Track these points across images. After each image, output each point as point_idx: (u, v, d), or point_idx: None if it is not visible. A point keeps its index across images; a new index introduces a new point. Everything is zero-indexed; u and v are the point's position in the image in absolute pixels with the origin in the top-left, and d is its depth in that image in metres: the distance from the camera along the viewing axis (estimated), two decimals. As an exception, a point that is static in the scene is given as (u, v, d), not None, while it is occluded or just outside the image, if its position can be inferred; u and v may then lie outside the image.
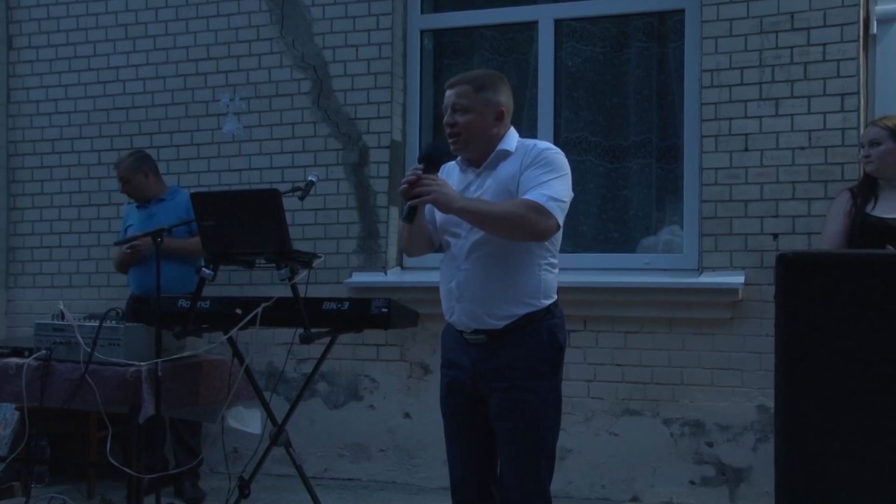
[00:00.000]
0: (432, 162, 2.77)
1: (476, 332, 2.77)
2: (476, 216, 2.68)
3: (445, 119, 2.83)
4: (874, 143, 3.78)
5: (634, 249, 5.01)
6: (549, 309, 2.81)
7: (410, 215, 2.69)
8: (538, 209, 2.66)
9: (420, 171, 2.71)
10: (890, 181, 3.78)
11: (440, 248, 3.00)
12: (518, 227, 2.67)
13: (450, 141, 2.84)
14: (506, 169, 2.79)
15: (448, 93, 2.85)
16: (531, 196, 2.68)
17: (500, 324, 2.75)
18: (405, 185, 2.69)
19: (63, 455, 5.08)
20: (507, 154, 2.82)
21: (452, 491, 2.93)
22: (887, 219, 3.74)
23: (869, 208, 3.77)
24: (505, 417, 2.76)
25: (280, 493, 4.87)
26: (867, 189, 3.82)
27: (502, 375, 2.75)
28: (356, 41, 5.23)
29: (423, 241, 2.96)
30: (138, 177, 5.02)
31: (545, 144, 2.84)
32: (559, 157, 2.79)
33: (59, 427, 4.87)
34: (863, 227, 3.75)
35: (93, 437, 4.92)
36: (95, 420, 4.82)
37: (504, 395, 2.75)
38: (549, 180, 2.72)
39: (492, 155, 2.83)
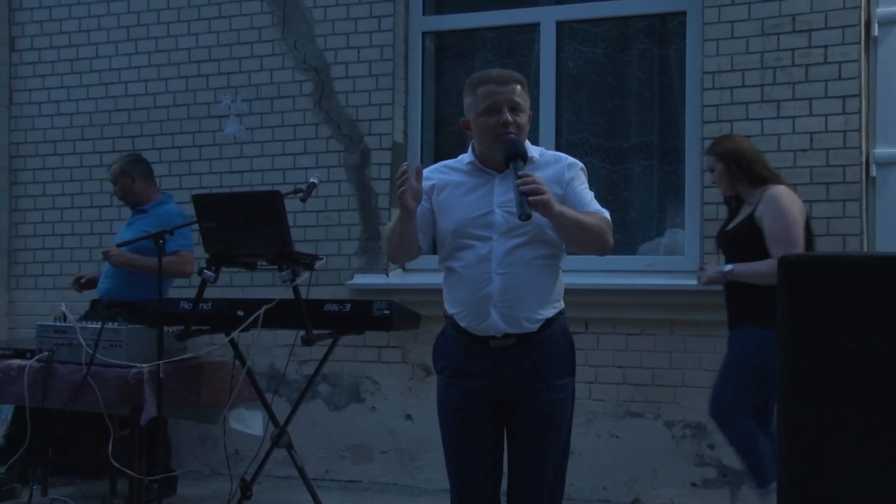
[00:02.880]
0: (523, 158, 2.68)
1: (507, 335, 2.73)
2: (573, 223, 2.65)
3: (504, 117, 2.70)
4: (712, 170, 4.09)
5: (636, 251, 5.01)
6: (562, 310, 2.84)
7: (530, 213, 2.56)
8: (610, 225, 2.76)
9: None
10: (745, 195, 4.00)
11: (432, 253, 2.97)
12: (601, 241, 2.72)
13: (511, 139, 2.70)
14: (539, 176, 2.69)
15: (497, 89, 2.72)
16: (598, 211, 2.75)
17: (535, 326, 2.73)
18: (525, 183, 2.56)
19: (67, 456, 5.08)
20: (532, 160, 2.77)
21: (460, 499, 2.86)
22: (728, 230, 4.01)
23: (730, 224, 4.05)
24: (537, 417, 2.75)
25: (281, 495, 4.87)
26: (735, 204, 4.09)
27: (536, 376, 2.74)
28: (358, 43, 5.24)
29: (413, 247, 2.88)
30: (125, 180, 4.92)
31: (572, 158, 2.86)
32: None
33: (65, 428, 4.87)
34: (718, 242, 4.11)
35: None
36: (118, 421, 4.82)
37: (538, 395, 2.74)
38: (593, 196, 2.81)
39: None
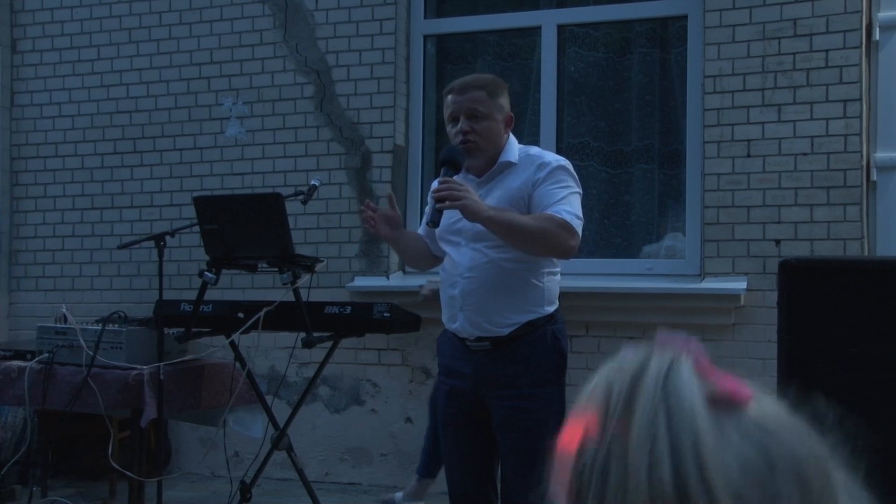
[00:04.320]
0: (455, 165, 2.68)
1: (479, 339, 2.73)
2: (505, 227, 2.59)
3: (460, 125, 2.71)
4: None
5: (636, 255, 5.01)
6: (551, 315, 2.78)
7: (437, 220, 2.59)
8: (566, 227, 2.62)
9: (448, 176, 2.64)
10: None
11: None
12: (546, 244, 2.63)
13: (461, 148, 2.73)
14: (512, 180, 2.73)
15: (456, 98, 2.74)
16: (555, 212, 2.63)
17: (505, 331, 2.71)
18: (438, 190, 2.58)
19: (69, 458, 5.08)
20: (510, 164, 2.77)
21: (452, 499, 2.89)
22: None
23: None
24: (510, 426, 2.72)
25: (281, 498, 4.87)
26: None
27: (508, 383, 2.71)
28: (359, 46, 5.24)
29: (424, 257, 2.92)
30: None
31: (555, 157, 2.79)
32: (572, 172, 2.76)
33: (66, 430, 4.87)
34: None
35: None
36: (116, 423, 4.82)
37: (509, 402, 2.71)
38: (568, 196, 2.68)
39: (496, 164, 2.77)
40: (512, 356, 2.72)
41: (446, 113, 2.78)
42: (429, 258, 2.94)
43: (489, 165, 2.77)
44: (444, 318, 2.83)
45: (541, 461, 2.67)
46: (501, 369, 2.72)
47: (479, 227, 2.66)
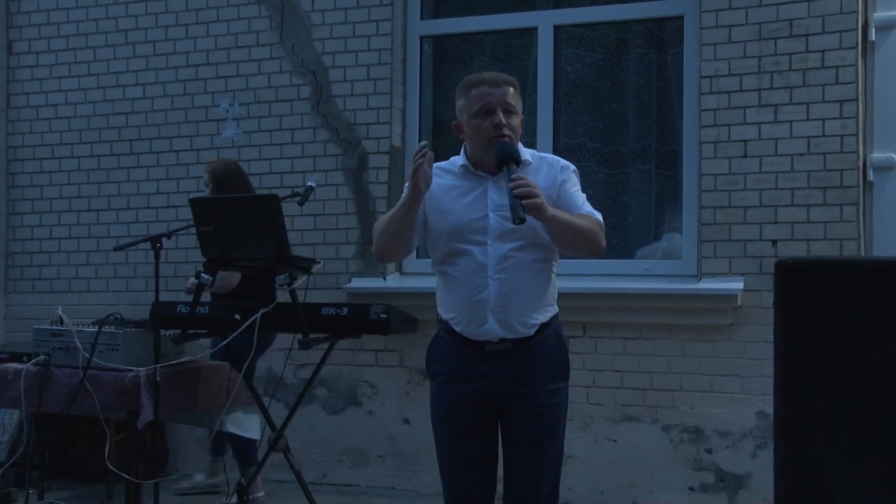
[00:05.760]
0: (515, 160, 2.67)
1: (503, 340, 2.72)
2: (564, 226, 2.63)
3: (498, 119, 2.68)
4: (207, 185, 4.69)
5: (634, 255, 5.01)
6: (556, 314, 2.82)
7: (524, 216, 2.54)
8: (602, 227, 2.74)
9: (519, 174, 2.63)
10: None
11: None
12: (591, 243, 2.71)
13: (503, 141, 2.70)
14: (532, 180, 2.69)
15: (490, 90, 2.71)
16: (590, 213, 2.74)
17: (531, 331, 2.72)
18: (517, 186, 2.55)
19: (66, 460, 5.07)
20: (526, 163, 2.76)
21: (453, 503, 2.88)
22: None
23: None
24: (530, 423, 2.73)
25: (279, 499, 4.86)
26: None
27: (529, 380, 2.73)
28: (356, 47, 5.24)
29: (409, 243, 2.81)
30: None
31: (565, 160, 2.85)
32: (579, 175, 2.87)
33: (63, 432, 4.86)
34: None
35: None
36: (113, 424, 4.82)
37: (531, 400, 2.73)
38: (586, 197, 2.80)
39: None
40: (529, 353, 2.73)
41: (475, 106, 2.71)
42: (409, 247, 2.83)
43: None
44: (458, 322, 2.76)
45: (554, 454, 2.67)
46: (520, 367, 2.73)
47: (507, 226, 2.63)
